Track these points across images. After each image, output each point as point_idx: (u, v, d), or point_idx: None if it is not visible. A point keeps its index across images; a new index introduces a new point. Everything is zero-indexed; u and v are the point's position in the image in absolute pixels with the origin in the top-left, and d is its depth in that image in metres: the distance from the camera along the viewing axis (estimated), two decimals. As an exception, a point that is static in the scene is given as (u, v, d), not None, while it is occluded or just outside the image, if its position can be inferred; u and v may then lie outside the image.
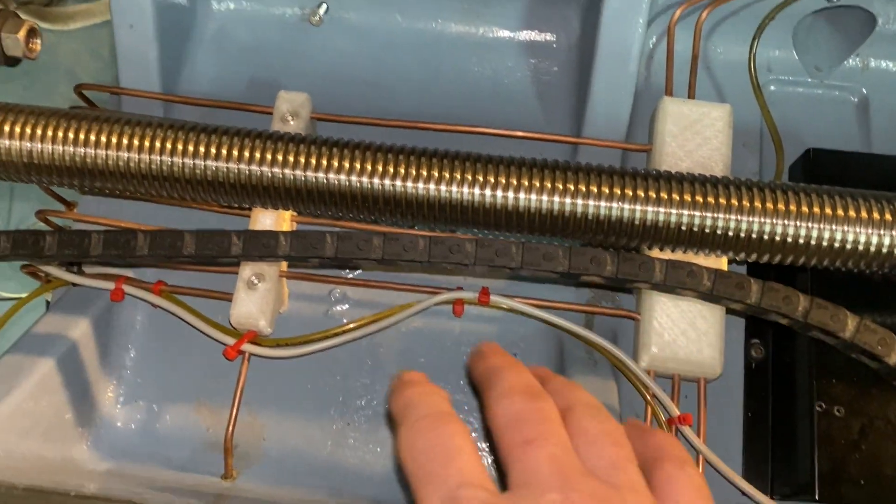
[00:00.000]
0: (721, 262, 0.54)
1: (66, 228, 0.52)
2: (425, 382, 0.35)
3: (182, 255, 0.47)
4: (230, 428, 0.54)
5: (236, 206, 0.55)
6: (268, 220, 0.55)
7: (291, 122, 0.59)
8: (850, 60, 0.67)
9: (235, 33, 0.68)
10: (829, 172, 0.58)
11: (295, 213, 0.57)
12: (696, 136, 0.58)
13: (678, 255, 0.53)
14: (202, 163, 0.51)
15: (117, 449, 0.57)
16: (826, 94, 0.67)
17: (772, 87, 0.67)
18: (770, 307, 0.45)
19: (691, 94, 0.61)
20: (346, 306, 0.61)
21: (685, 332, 0.53)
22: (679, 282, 0.46)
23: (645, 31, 0.58)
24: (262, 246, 0.47)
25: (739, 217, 0.49)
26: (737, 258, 0.52)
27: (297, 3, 0.68)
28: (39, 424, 0.51)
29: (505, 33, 0.67)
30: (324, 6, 0.67)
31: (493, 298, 0.55)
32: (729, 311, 0.55)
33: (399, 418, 0.33)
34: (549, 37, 0.67)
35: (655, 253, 0.53)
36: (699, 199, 0.49)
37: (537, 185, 0.49)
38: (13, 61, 0.55)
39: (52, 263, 0.53)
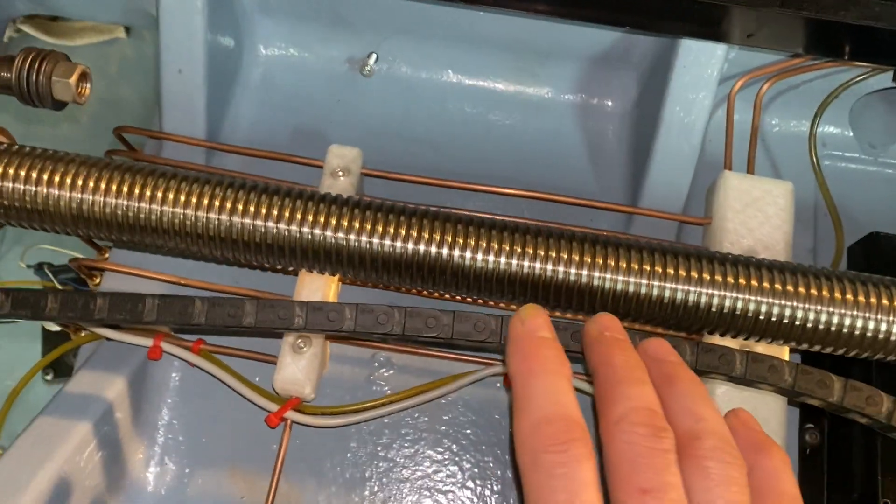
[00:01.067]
0: (783, 352, 0.52)
1: (116, 292, 0.49)
2: (551, 343, 0.35)
3: (241, 325, 0.44)
4: (270, 499, 0.51)
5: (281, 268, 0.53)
6: (316, 283, 0.53)
7: (342, 178, 0.57)
8: (906, 140, 0.66)
9: (282, 80, 0.66)
10: (890, 257, 0.57)
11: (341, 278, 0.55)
12: (758, 213, 0.56)
13: (736, 343, 0.51)
14: (259, 223, 0.48)
15: (147, 516, 0.54)
16: (880, 173, 0.66)
17: (826, 162, 0.66)
18: (853, 407, 0.44)
19: (750, 169, 0.60)
20: (391, 371, 0.59)
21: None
22: (759, 376, 0.44)
23: (711, 107, 0.57)
24: (327, 319, 0.45)
25: (817, 307, 0.47)
26: (798, 348, 0.51)
27: (347, 52, 0.66)
28: (74, 492, 0.48)
29: (558, 95, 0.66)
30: (374, 56, 0.66)
31: (549, 374, 0.53)
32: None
33: (520, 399, 0.34)
34: (604, 101, 0.66)
35: (715, 339, 0.52)
36: (777, 286, 0.48)
37: (601, 262, 0.47)
38: (60, 105, 0.52)
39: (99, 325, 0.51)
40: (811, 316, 0.48)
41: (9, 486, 0.44)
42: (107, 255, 0.62)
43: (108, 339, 0.55)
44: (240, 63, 0.65)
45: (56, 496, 0.46)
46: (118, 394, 0.53)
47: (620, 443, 0.32)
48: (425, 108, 0.66)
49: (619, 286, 0.48)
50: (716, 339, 0.51)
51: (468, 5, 0.61)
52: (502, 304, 0.55)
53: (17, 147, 0.50)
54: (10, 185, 0.48)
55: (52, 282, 1.11)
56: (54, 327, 1.19)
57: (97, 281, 0.62)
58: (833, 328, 0.47)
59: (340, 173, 0.57)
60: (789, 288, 0.48)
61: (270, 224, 0.48)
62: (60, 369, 1.16)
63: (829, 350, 0.49)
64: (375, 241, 0.48)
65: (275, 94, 0.66)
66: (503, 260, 0.49)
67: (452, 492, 0.56)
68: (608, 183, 0.64)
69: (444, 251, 0.48)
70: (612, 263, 0.48)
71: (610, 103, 0.66)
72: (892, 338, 0.48)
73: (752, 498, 0.32)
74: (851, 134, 0.67)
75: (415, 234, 0.48)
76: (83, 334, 0.58)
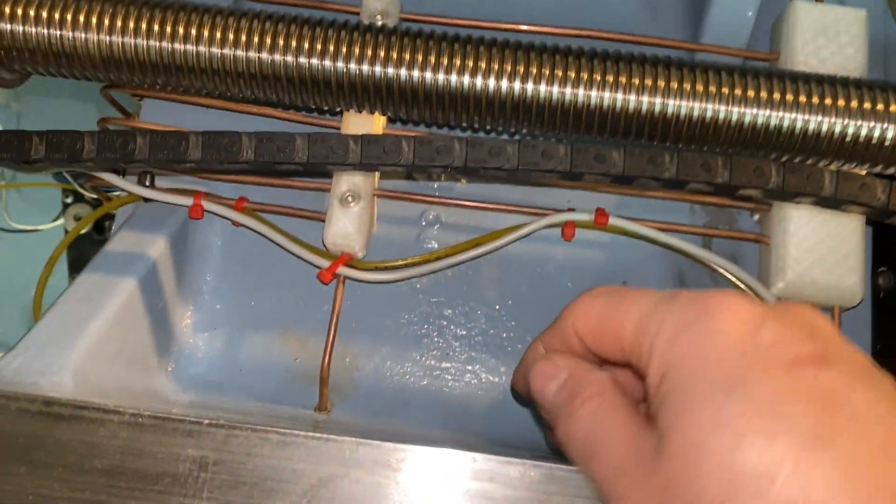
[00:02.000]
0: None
1: (156, 129, 0.45)
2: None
3: (293, 161, 0.41)
4: (326, 357, 0.49)
5: (324, 110, 0.50)
6: (361, 124, 0.50)
7: (380, 23, 0.53)
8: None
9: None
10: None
11: (386, 120, 0.51)
12: (829, 43, 0.52)
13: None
14: (303, 60, 0.45)
15: (198, 380, 0.52)
16: (955, 4, 0.61)
17: (896, -5, 0.61)
18: (951, 225, 0.41)
19: (819, -1, 0.56)
20: (440, 229, 0.56)
21: (824, 257, 0.49)
22: (851, 195, 0.41)
23: (779, -79, 0.52)
24: (384, 151, 0.42)
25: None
26: (883, 171, 0.48)
27: None
28: (123, 351, 0.46)
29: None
30: None
31: (612, 221, 0.50)
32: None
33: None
34: (657, -68, 0.61)
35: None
36: (865, 105, 0.44)
37: (688, 87, 0.44)
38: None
39: (133, 173, 0.48)
40: (890, 134, 0.44)
41: (61, 339, 0.42)
42: (136, 118, 0.58)
43: (146, 200, 0.52)
44: None
45: (106, 350, 0.44)
46: (160, 254, 0.50)
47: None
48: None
49: (694, 112, 0.44)
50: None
51: None
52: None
53: (35, -14, 0.46)
54: (33, 28, 0.45)
55: (71, 184, 1.08)
56: (83, 230, 1.17)
57: (127, 148, 0.59)
58: (923, 147, 0.44)
59: (379, 17, 0.53)
60: (879, 106, 0.45)
61: (315, 60, 0.45)
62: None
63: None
64: (428, 74, 0.45)
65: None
66: (567, 89, 0.45)
67: (508, 347, 0.54)
68: (664, 20, 0.59)
69: (503, 83, 0.45)
70: (687, 87, 0.44)
71: (664, -68, 0.61)
72: None
73: None
74: (924, -38, 0.62)
75: (471, 63, 0.45)
76: (117, 197, 0.55)
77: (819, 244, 0.49)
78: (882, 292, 0.55)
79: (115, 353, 0.45)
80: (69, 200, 1.18)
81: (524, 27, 0.54)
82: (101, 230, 1.17)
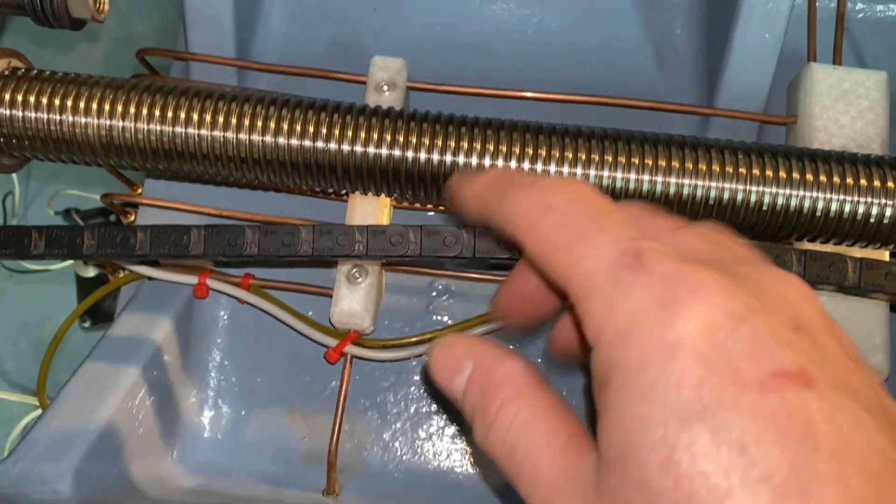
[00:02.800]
0: (883, 255, 0.48)
1: (157, 225, 0.45)
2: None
3: (297, 254, 0.40)
4: (334, 438, 0.48)
5: (331, 191, 0.49)
6: (368, 206, 0.49)
7: (387, 93, 0.52)
8: None
9: (313, -11, 0.60)
10: None
11: (393, 199, 0.50)
12: (849, 107, 0.51)
13: (830, 248, 0.47)
14: (308, 143, 0.44)
15: (204, 462, 0.51)
16: (977, 59, 0.60)
17: (916, 50, 0.60)
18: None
19: (837, 59, 0.54)
20: (450, 300, 0.55)
21: (849, 334, 0.47)
22: (876, 284, 0.40)
23: (796, -12, 0.51)
24: (390, 244, 0.40)
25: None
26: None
27: (382, -46, 0.60)
28: (128, 440, 0.45)
29: (619, -11, 0.60)
30: (412, -42, 0.60)
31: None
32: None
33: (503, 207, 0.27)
34: (670, -6, 0.59)
35: (812, 246, 0.47)
36: (887, 183, 0.43)
37: (703, 168, 0.42)
38: (79, 24, 0.47)
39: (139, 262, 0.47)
40: (926, 215, 0.43)
41: (59, 438, 0.41)
42: (139, 191, 0.58)
43: (150, 279, 0.51)
44: (267, -27, 0.59)
45: (109, 446, 0.43)
46: (165, 336, 0.49)
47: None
48: (471, 10, 0.60)
49: (710, 192, 0.43)
50: (813, 246, 0.47)
51: None
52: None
53: (35, 72, 0.45)
54: (33, 114, 0.44)
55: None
56: (89, 273, 1.17)
57: (131, 218, 0.58)
58: (951, 228, 0.43)
59: (385, 87, 0.52)
60: (889, 184, 0.43)
61: (320, 143, 0.44)
62: (98, 315, 1.14)
63: (942, 252, 0.44)
64: (435, 156, 0.44)
65: (307, 5, 0.60)
66: (576, 171, 0.44)
67: (525, 423, 0.52)
68: (678, 84, 0.58)
69: (514, 164, 0.44)
70: (703, 168, 0.43)
71: (676, -3, 0.59)
72: None
73: None
74: (945, 16, 0.60)
75: (479, 147, 0.44)
76: (122, 275, 0.54)
77: (843, 321, 0.48)
78: (908, 363, 0.53)
79: (118, 447, 0.44)
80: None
81: (530, 94, 0.53)
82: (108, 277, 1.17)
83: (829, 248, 0.46)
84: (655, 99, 0.55)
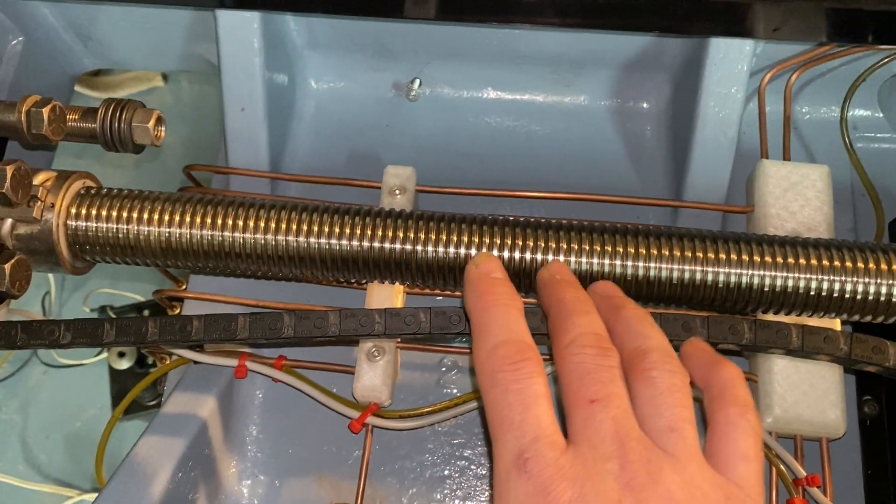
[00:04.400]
0: (835, 324, 0.55)
1: (209, 314, 0.52)
2: (503, 283, 0.37)
3: (327, 335, 0.48)
4: (358, 503, 0.54)
5: (353, 281, 0.57)
6: (383, 293, 0.57)
7: (399, 196, 0.60)
8: (936, 117, 0.68)
9: (333, 110, 0.70)
10: (931, 228, 0.60)
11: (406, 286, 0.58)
12: (798, 197, 0.59)
13: (790, 319, 0.54)
14: (334, 241, 0.52)
15: (243, 526, 0.58)
16: (913, 150, 0.68)
17: (859, 145, 0.68)
18: (909, 370, 0.46)
19: (786, 156, 0.63)
20: (458, 374, 0.62)
21: (806, 393, 0.54)
22: (816, 347, 0.47)
23: (744, 100, 0.60)
24: (405, 323, 0.48)
25: (865, 280, 0.50)
26: (849, 319, 0.53)
27: (392, 79, 0.70)
28: (178, 506, 0.52)
29: (595, 101, 0.69)
30: (417, 81, 0.70)
31: (612, 364, 0.56)
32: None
33: (478, 329, 0.36)
34: (640, 103, 0.69)
35: (770, 317, 0.54)
36: (825, 262, 0.50)
37: (664, 253, 0.50)
38: (140, 149, 0.57)
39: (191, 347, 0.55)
40: (860, 288, 0.50)
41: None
42: (184, 286, 0.66)
43: (195, 363, 0.59)
44: (294, 97, 0.69)
45: (166, 508, 0.50)
46: (210, 412, 0.57)
47: (570, 363, 0.34)
48: (469, 124, 0.69)
49: (675, 274, 0.51)
50: (769, 317, 0.54)
51: (502, 25, 0.65)
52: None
53: (105, 190, 0.54)
54: (104, 224, 0.53)
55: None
56: (123, 365, 1.25)
57: (177, 311, 0.66)
58: (882, 298, 0.50)
59: (397, 192, 0.60)
60: (836, 263, 0.51)
61: (344, 241, 0.52)
62: (130, 407, 1.21)
63: (879, 319, 0.51)
64: (441, 249, 0.52)
65: (328, 124, 0.70)
66: (559, 258, 0.52)
67: (528, 484, 0.59)
68: (650, 181, 0.67)
69: (506, 254, 0.52)
70: (666, 253, 0.51)
71: (645, 105, 0.69)
72: (940, 303, 0.50)
73: (710, 404, 0.34)
74: (881, 115, 0.69)
75: (477, 240, 0.52)
76: (169, 361, 0.62)
77: (801, 381, 0.54)
78: (868, 420, 0.59)
79: (172, 508, 0.51)
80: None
81: (522, 193, 0.62)
82: (142, 364, 1.25)
83: (788, 318, 0.53)
84: (631, 193, 0.63)
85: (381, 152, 0.69)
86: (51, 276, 1.43)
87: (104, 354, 1.30)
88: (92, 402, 1.34)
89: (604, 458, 0.31)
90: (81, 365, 1.36)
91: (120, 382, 1.26)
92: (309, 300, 0.61)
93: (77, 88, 1.62)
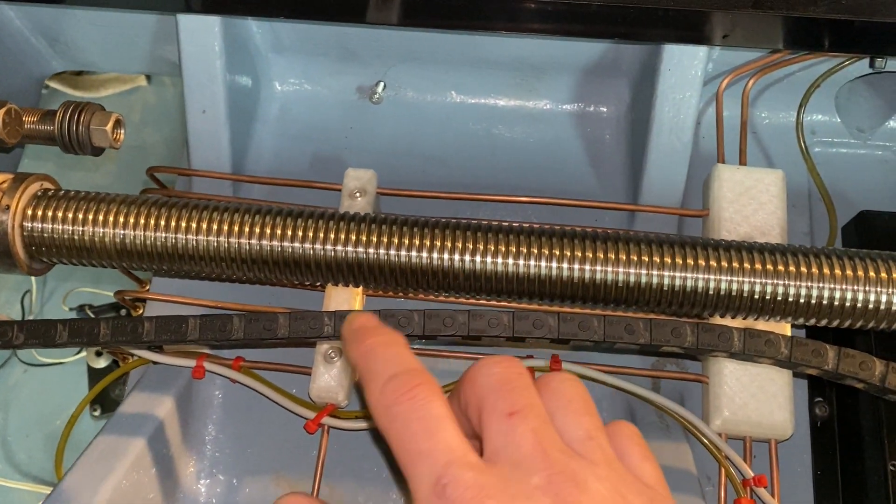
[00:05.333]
0: (784, 328, 0.56)
1: (161, 316, 0.53)
2: (380, 328, 0.35)
3: (276, 337, 0.49)
4: (313, 501, 0.55)
5: (312, 283, 0.58)
6: (342, 295, 0.57)
7: (359, 198, 0.61)
8: (892, 122, 0.69)
9: (297, 112, 0.71)
10: (882, 233, 0.60)
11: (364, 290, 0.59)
12: (751, 201, 0.60)
13: (739, 322, 0.55)
14: (288, 244, 0.53)
15: (200, 525, 0.58)
16: (870, 155, 0.69)
17: (817, 149, 0.69)
18: (847, 373, 0.47)
19: (742, 160, 0.63)
20: (417, 375, 0.62)
21: (755, 396, 0.55)
22: (757, 350, 0.48)
23: (698, 105, 0.60)
24: (353, 326, 0.49)
25: (811, 284, 0.51)
26: (798, 323, 0.54)
27: (356, 82, 0.71)
28: (133, 504, 0.53)
29: (557, 105, 0.70)
30: (381, 84, 0.70)
31: (565, 366, 0.57)
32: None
33: (365, 375, 0.34)
34: (600, 108, 0.70)
35: (718, 320, 0.55)
36: (770, 267, 0.51)
37: (612, 257, 0.51)
38: (98, 151, 0.57)
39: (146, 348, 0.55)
40: (803, 292, 0.51)
41: (75, 500, 0.48)
42: (147, 287, 0.66)
43: (155, 363, 0.60)
44: (258, 100, 0.70)
45: (119, 507, 0.51)
46: (168, 412, 0.57)
47: (481, 378, 0.33)
48: (432, 128, 0.70)
49: (621, 278, 0.51)
50: (718, 321, 0.55)
51: (466, 31, 0.66)
52: (515, 303, 0.58)
53: (62, 192, 0.55)
54: (60, 226, 0.53)
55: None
56: (100, 364, 1.25)
57: (140, 311, 0.67)
58: (825, 302, 0.51)
59: (358, 194, 0.61)
60: (780, 267, 0.52)
61: (297, 244, 0.53)
62: (107, 405, 1.22)
63: (824, 323, 0.52)
64: (393, 252, 0.53)
65: (292, 126, 0.70)
66: (515, 262, 0.52)
67: (483, 484, 0.59)
68: (609, 185, 0.67)
69: (457, 257, 0.52)
70: (613, 257, 0.51)
71: (605, 110, 0.70)
72: (886, 307, 0.51)
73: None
74: (839, 120, 0.70)
75: (428, 243, 0.52)
76: (131, 361, 0.62)
77: (751, 384, 0.55)
78: (819, 421, 0.60)
79: (124, 507, 0.51)
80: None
81: (483, 196, 0.63)
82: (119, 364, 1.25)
83: (738, 322, 0.54)
84: (591, 197, 0.64)
85: (344, 155, 0.69)
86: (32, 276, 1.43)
87: (83, 353, 1.30)
88: (71, 401, 1.34)
89: (528, 473, 0.31)
90: (61, 364, 1.36)
91: (98, 380, 1.26)
92: (271, 302, 0.62)
93: (60, 87, 1.62)
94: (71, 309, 1.33)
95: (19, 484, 1.33)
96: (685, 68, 0.59)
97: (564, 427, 0.32)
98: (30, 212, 0.53)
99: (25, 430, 1.39)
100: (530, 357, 0.58)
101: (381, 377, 0.33)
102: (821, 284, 0.51)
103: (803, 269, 0.51)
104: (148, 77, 1.69)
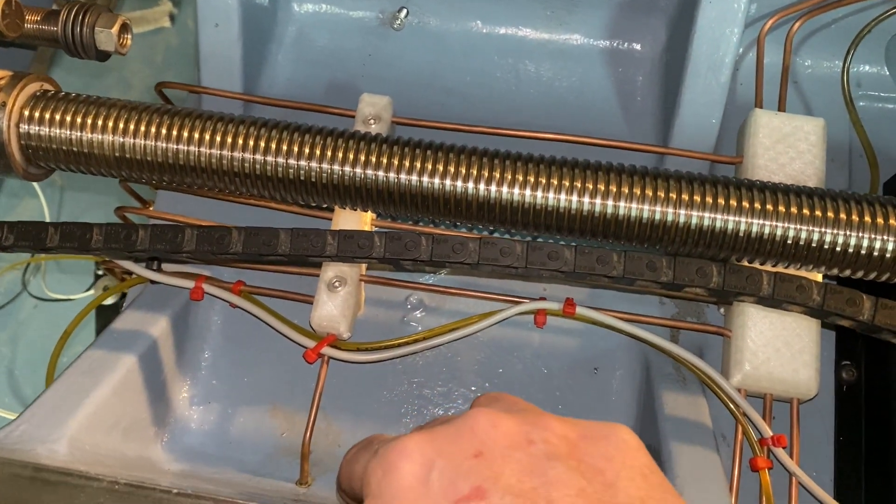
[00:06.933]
0: (816, 278, 0.52)
1: (156, 224, 0.51)
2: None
3: (276, 253, 0.46)
4: (308, 433, 0.53)
5: (317, 206, 0.55)
6: (351, 220, 0.54)
7: (373, 125, 0.58)
8: (945, 77, 0.65)
9: (315, 36, 0.68)
10: (927, 190, 0.57)
11: (375, 216, 0.56)
12: (789, 149, 0.56)
13: (768, 268, 0.51)
14: (294, 162, 0.50)
15: (190, 450, 0.56)
16: (918, 111, 0.65)
17: (861, 103, 0.65)
18: (885, 325, 0.43)
19: (781, 107, 0.60)
20: (423, 313, 0.60)
21: (780, 351, 0.52)
22: (788, 295, 0.44)
23: (739, 42, 0.57)
24: (358, 247, 0.46)
25: (849, 232, 0.47)
26: (832, 273, 0.50)
27: (378, 6, 0.68)
28: (121, 422, 0.51)
29: (588, 41, 0.66)
30: (404, 11, 0.67)
31: (579, 310, 0.54)
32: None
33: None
34: (634, 45, 0.66)
35: (745, 265, 0.52)
36: (806, 211, 0.48)
37: (637, 192, 0.48)
38: (104, 56, 0.55)
39: (141, 259, 0.53)
40: (840, 240, 0.47)
41: (61, 409, 0.46)
42: (151, 207, 0.64)
43: (153, 282, 0.57)
44: (275, 20, 0.67)
45: (103, 421, 0.48)
46: (162, 332, 0.55)
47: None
48: (455, 58, 0.67)
49: (646, 215, 0.48)
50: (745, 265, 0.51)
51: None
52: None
53: (62, 94, 0.52)
54: (57, 129, 0.51)
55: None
56: (109, 301, 1.24)
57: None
58: (864, 251, 0.47)
59: (372, 121, 0.58)
60: (817, 212, 0.48)
61: (304, 162, 0.50)
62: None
63: (860, 275, 0.49)
64: (404, 176, 0.50)
65: (309, 50, 0.67)
66: (533, 192, 0.49)
67: (486, 428, 0.57)
68: (638, 129, 0.64)
69: (471, 185, 0.49)
70: (639, 192, 0.48)
71: (639, 48, 0.66)
72: (926, 262, 0.47)
73: None
74: (887, 72, 0.66)
75: (442, 168, 0.49)
76: (129, 280, 0.60)
77: (776, 338, 0.52)
78: (845, 385, 0.57)
79: (112, 423, 0.49)
80: (101, 272, 1.26)
81: (504, 131, 0.59)
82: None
83: (766, 268, 0.51)
84: (618, 139, 0.60)
85: (361, 83, 0.66)
86: (43, 202, 1.42)
87: (91, 291, 1.29)
88: (79, 338, 1.33)
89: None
90: (70, 300, 1.35)
91: (105, 318, 1.25)
92: (276, 224, 0.59)
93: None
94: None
95: (24, 417, 1.33)
96: (728, 1, 0.55)
97: None
98: (27, 112, 0.51)
99: (33, 364, 1.38)
100: (542, 299, 0.55)
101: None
102: (860, 233, 0.47)
103: (842, 215, 0.48)
104: (172, 18, 1.67)
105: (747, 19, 0.64)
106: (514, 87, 0.66)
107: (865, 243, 0.47)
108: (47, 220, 1.40)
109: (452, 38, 0.67)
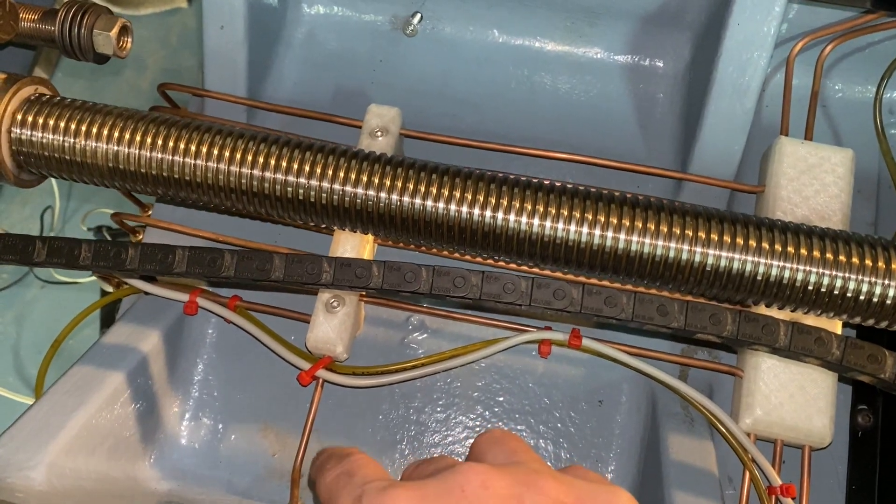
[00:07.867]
0: (835, 325, 0.50)
1: (147, 243, 0.49)
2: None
3: (269, 279, 0.44)
4: (299, 457, 0.51)
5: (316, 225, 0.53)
6: (351, 242, 0.52)
7: (380, 138, 0.56)
8: (983, 108, 0.62)
9: (324, 39, 0.65)
10: (959, 231, 0.54)
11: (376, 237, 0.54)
12: (814, 181, 0.53)
13: (786, 314, 0.49)
14: (293, 179, 0.48)
15: (179, 469, 0.55)
16: (953, 143, 0.62)
17: (893, 131, 0.62)
18: (907, 384, 0.41)
19: (808, 135, 0.57)
20: (424, 335, 0.58)
21: (794, 396, 0.49)
22: (805, 349, 0.42)
23: (766, 67, 0.54)
24: (355, 276, 0.44)
25: (874, 280, 0.44)
26: (853, 322, 0.48)
27: (391, 11, 0.65)
28: (106, 441, 0.49)
29: (609, 55, 0.64)
30: (418, 16, 0.64)
31: (586, 342, 0.52)
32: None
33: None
34: (656, 62, 0.63)
35: (762, 310, 0.49)
36: (829, 255, 0.45)
37: (652, 228, 0.45)
38: (102, 59, 0.53)
39: (133, 277, 0.51)
40: (865, 288, 0.45)
41: (41, 432, 0.45)
42: (149, 213, 0.62)
43: (146, 294, 0.56)
44: (283, 21, 0.64)
45: (86, 443, 0.47)
46: (153, 347, 0.53)
47: None
48: (469, 68, 0.64)
49: (659, 251, 0.46)
50: (762, 310, 0.49)
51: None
52: (536, 269, 0.53)
53: (57, 99, 0.50)
54: (50, 135, 0.49)
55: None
56: (110, 288, 1.23)
57: (139, 237, 0.63)
58: (889, 301, 0.45)
59: (379, 133, 0.56)
60: (841, 257, 0.45)
61: (303, 180, 0.48)
62: (115, 328, 1.19)
63: (884, 325, 0.46)
64: (407, 199, 0.47)
65: (317, 54, 0.65)
66: (542, 222, 0.47)
67: (484, 459, 0.55)
68: (657, 150, 0.61)
69: (477, 211, 0.47)
70: (653, 227, 0.45)
71: (661, 65, 0.63)
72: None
73: None
74: (923, 101, 0.62)
75: (447, 193, 0.47)
76: (123, 288, 0.58)
77: (790, 382, 0.49)
78: (860, 431, 0.54)
79: (96, 444, 0.48)
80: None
81: (516, 149, 0.57)
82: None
83: (783, 313, 0.48)
84: (635, 160, 0.57)
85: (370, 90, 0.64)
86: (57, 192, 1.41)
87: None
88: (84, 322, 1.33)
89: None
90: (76, 283, 1.35)
91: (108, 305, 1.24)
92: (277, 242, 0.57)
93: (98, 1, 1.58)
94: (89, 229, 1.31)
95: (27, 398, 1.33)
96: (757, 24, 0.52)
97: None
98: (19, 117, 0.49)
99: (38, 345, 1.38)
100: (548, 329, 0.53)
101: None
102: (886, 281, 0.45)
103: (868, 261, 0.45)
104: (189, -1, 1.64)
105: (777, 39, 0.61)
106: (529, 100, 0.63)
107: (892, 292, 0.45)
108: (56, 199, 1.40)
109: (467, 46, 0.64)
